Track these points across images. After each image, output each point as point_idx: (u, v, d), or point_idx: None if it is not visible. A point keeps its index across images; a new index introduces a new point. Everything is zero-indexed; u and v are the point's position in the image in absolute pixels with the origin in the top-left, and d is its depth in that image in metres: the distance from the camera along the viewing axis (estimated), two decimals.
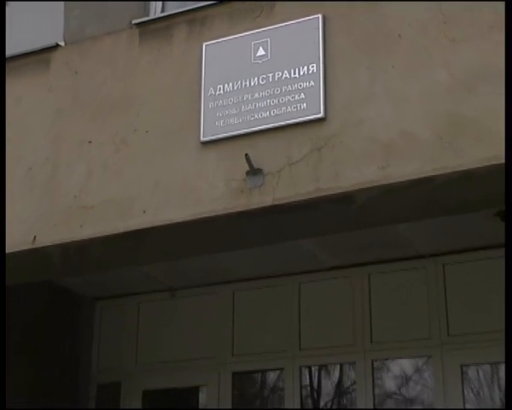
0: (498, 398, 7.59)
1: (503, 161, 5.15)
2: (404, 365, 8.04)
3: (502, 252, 7.22)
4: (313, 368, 8.44)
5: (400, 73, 5.62)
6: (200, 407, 8.79)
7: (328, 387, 8.58)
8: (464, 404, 7.29)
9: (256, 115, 5.96)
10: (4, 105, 6.98)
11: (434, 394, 7.53)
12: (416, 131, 5.48)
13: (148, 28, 6.62)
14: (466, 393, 7.37)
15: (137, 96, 6.55)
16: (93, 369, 8.81)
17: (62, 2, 7.21)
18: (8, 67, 7.14)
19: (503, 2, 5.26)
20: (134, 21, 6.71)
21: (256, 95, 6.01)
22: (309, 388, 8.53)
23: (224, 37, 6.23)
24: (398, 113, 5.58)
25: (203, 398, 8.69)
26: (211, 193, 5.98)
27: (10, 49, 7.23)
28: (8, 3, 7.58)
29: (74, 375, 8.67)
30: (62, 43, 7.00)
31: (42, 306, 8.30)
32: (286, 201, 5.72)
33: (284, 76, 5.95)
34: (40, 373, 8.12)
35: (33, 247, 6.54)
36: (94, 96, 6.74)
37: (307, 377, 8.46)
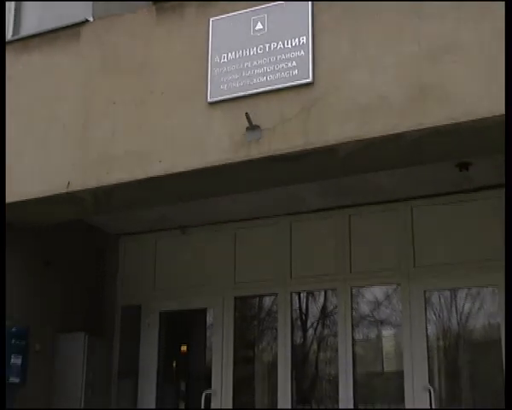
0: (456, 320, 7.65)
1: (462, 119, 5.21)
2: (377, 292, 8.00)
3: (460, 197, 7.41)
4: (302, 294, 8.41)
5: (377, 45, 5.62)
6: (207, 325, 8.84)
7: (314, 310, 8.56)
8: (427, 324, 7.31)
9: (255, 80, 5.98)
10: (4, 102, 6.94)
11: (402, 316, 7.48)
12: (390, 94, 5.50)
13: (163, 6, 6.57)
14: (428, 315, 7.38)
15: (154, 63, 6.53)
16: (118, 294, 8.79)
17: None
18: (46, 39, 7.13)
19: None
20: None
21: (255, 62, 6.02)
22: (298, 311, 8.46)
23: (227, 13, 6.21)
24: (374, 78, 5.59)
25: (210, 318, 8.71)
26: (216, 146, 6.02)
27: (48, 24, 7.21)
28: None
29: (102, 299, 8.69)
30: (91, 19, 6.97)
31: (76, 242, 8.30)
32: (280, 152, 5.78)
33: (279, 47, 5.97)
34: (75, 297, 8.13)
35: (68, 191, 6.59)
36: (117, 63, 6.72)
37: (297, 301, 8.40)
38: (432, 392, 6.85)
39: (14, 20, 7.87)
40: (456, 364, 7.68)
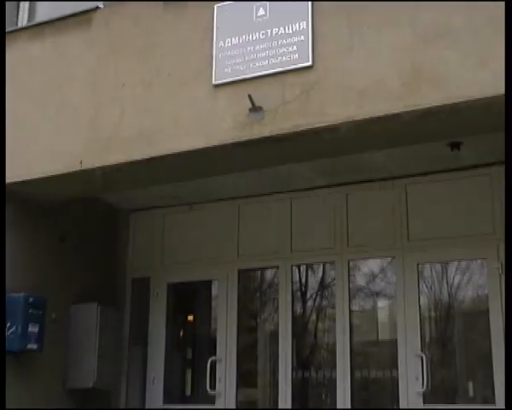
0: (446, 291, 7.70)
1: (454, 101, 5.20)
2: (372, 265, 8.04)
3: (451, 175, 7.41)
4: (302, 267, 8.42)
5: (373, 31, 5.59)
6: (212, 296, 8.83)
7: (313, 282, 8.61)
8: (419, 296, 7.32)
9: (257, 63, 5.97)
10: (4, 99, 6.93)
11: (396, 288, 7.49)
12: (386, 77, 5.49)
13: None
14: (421, 287, 7.37)
15: (161, 47, 6.51)
16: (128, 267, 8.81)
17: None
18: (58, 25, 7.10)
19: None
20: None
21: (257, 47, 6.01)
22: (298, 283, 8.48)
23: (231, 0, 6.21)
24: (371, 62, 5.57)
25: (215, 290, 8.70)
26: (221, 126, 6.02)
27: (61, 12, 7.17)
28: None
29: (114, 271, 8.72)
30: (101, 6, 6.94)
31: (90, 218, 8.30)
32: (281, 132, 5.77)
33: (280, 32, 5.94)
34: (88, 270, 8.14)
35: (80, 169, 6.60)
36: (126, 47, 6.71)
37: (297, 274, 8.41)
38: (424, 359, 6.88)
39: (29, 8, 7.86)
40: (447, 332, 7.74)
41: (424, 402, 6.89)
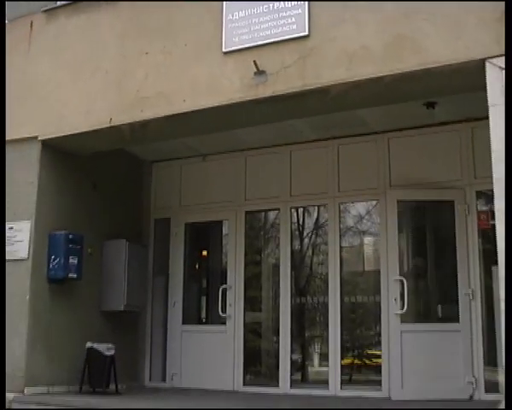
0: (422, 229, 7.66)
1: (430, 66, 5.24)
2: (360, 207, 8.02)
3: (427, 130, 7.34)
4: (299, 209, 8.41)
5: (362, 5, 5.59)
6: (223, 234, 8.79)
7: (309, 223, 8.60)
8: (398, 233, 7.24)
9: (261, 33, 6.00)
10: (4, 97, 6.92)
11: (380, 227, 7.50)
12: (372, 45, 5.53)
13: None
14: (401, 226, 7.28)
15: (178, 21, 6.54)
16: (152, 209, 8.87)
17: None
18: (91, 3, 7.08)
19: None
20: None
21: (261, 19, 6.03)
22: (296, 223, 8.48)
23: None
24: (359, 32, 5.60)
25: (225, 229, 8.67)
26: (230, 87, 6.05)
27: None
28: None
29: (140, 213, 8.75)
30: None
31: (119, 167, 8.28)
32: (282, 92, 5.82)
33: (281, 6, 5.96)
34: (118, 212, 8.14)
35: (110, 125, 6.65)
36: (149, 21, 6.72)
37: (295, 215, 8.41)
38: (405, 282, 6.84)
39: None
40: (422, 263, 7.74)
41: (401, 322, 6.90)
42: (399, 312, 6.89)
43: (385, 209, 7.40)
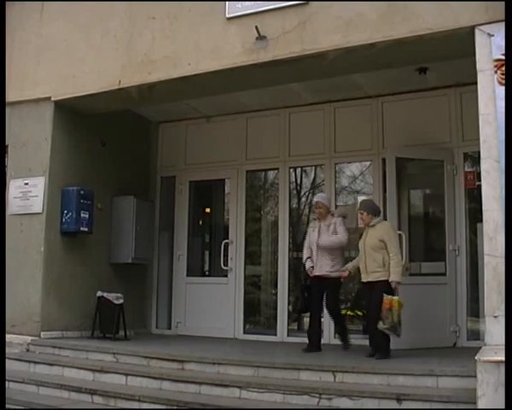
0: (414, 184, 7.67)
1: (421, 33, 5.24)
2: (354, 168, 8.01)
3: (418, 94, 7.27)
4: (297, 169, 8.39)
5: None
6: (225, 192, 8.83)
7: (306, 183, 8.60)
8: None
9: (263, 1, 5.97)
10: (4, 95, 6.92)
11: (373, 187, 7.53)
12: (367, 12, 5.55)
13: None
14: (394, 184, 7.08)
15: None
16: (158, 167, 8.90)
17: None
18: None
19: None
20: None
21: None
22: (294, 182, 8.46)
23: None
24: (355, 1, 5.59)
25: (227, 187, 8.69)
26: (233, 51, 6.08)
27: None
28: None
29: (147, 171, 8.82)
30: None
31: (127, 127, 8.29)
32: (282, 57, 5.85)
33: None
34: (126, 169, 8.19)
35: (119, 87, 6.70)
36: None
37: (293, 175, 8.39)
38: (403, 235, 6.78)
39: None
40: (416, 215, 7.77)
41: None
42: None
43: (377, 170, 7.42)
